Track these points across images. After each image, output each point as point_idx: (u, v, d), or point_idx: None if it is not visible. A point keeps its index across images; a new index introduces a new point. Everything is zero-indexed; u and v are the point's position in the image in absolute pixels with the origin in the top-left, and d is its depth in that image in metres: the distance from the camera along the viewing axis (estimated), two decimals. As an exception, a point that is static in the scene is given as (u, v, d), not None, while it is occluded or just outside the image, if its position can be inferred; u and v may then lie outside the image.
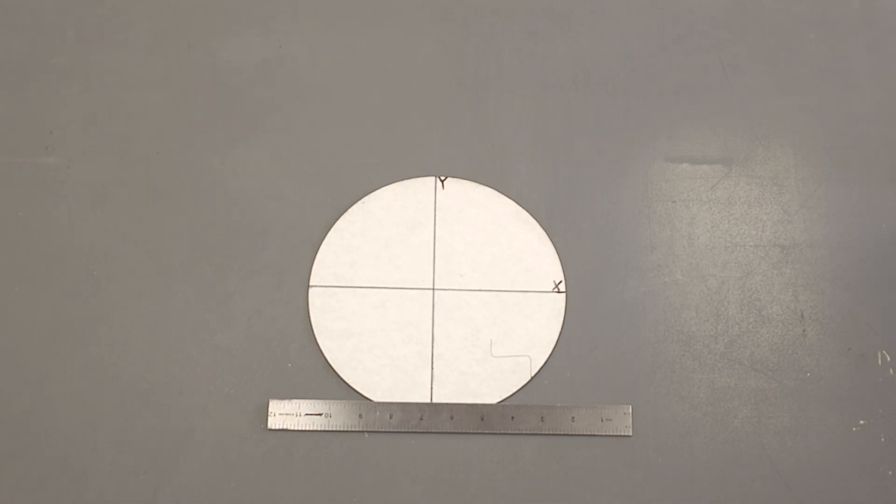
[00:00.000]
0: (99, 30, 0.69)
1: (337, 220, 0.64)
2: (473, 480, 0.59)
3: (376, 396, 0.60)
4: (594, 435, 0.60)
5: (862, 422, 0.61)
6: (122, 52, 0.69)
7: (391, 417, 0.59)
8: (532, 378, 0.61)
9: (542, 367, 0.61)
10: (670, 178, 0.67)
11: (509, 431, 0.60)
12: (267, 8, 0.70)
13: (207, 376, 0.60)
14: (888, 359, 0.62)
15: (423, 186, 0.65)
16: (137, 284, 0.62)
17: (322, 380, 0.61)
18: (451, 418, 0.59)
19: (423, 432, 0.60)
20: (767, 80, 0.69)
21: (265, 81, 0.68)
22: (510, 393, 0.61)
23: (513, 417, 0.60)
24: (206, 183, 0.65)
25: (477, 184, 0.65)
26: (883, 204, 0.66)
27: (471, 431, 0.60)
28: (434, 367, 0.61)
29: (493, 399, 0.61)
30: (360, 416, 0.59)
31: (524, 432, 0.59)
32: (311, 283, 0.63)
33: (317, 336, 0.62)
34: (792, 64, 0.70)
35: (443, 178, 0.65)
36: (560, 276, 0.63)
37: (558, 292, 0.63)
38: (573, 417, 0.60)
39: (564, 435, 0.60)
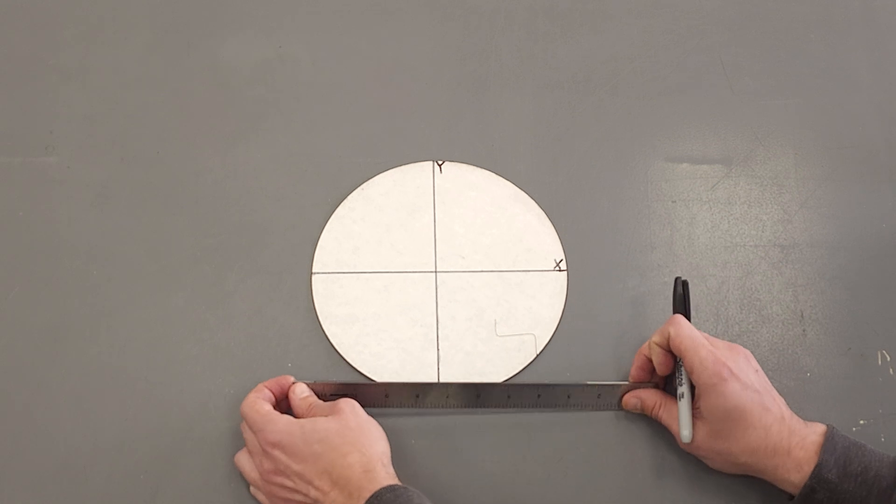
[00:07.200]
0: (99, 30, 0.69)
1: (337, 207, 0.64)
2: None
3: (383, 379, 0.60)
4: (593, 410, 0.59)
5: (862, 422, 0.60)
6: (122, 52, 0.69)
7: (387, 397, 0.58)
8: (538, 356, 0.61)
9: (546, 345, 0.61)
10: (670, 178, 0.67)
11: (507, 408, 0.59)
12: (267, 8, 0.70)
13: (207, 376, 0.60)
14: (888, 359, 0.62)
15: (420, 171, 0.66)
16: (137, 284, 0.62)
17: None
18: (447, 397, 0.59)
19: (421, 410, 0.59)
20: (767, 80, 0.69)
21: (265, 81, 0.68)
22: (516, 371, 0.61)
23: (509, 396, 0.59)
24: (206, 183, 0.65)
25: (474, 167, 0.66)
26: (883, 204, 0.66)
27: (468, 408, 0.59)
28: (440, 348, 0.61)
29: (499, 377, 0.61)
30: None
31: (522, 409, 0.59)
32: (313, 270, 0.63)
33: (321, 322, 0.61)
34: (792, 64, 0.70)
35: (440, 162, 0.66)
36: (561, 255, 0.63)
37: (559, 270, 0.63)
38: (569, 395, 0.59)
39: (561, 411, 0.59)
